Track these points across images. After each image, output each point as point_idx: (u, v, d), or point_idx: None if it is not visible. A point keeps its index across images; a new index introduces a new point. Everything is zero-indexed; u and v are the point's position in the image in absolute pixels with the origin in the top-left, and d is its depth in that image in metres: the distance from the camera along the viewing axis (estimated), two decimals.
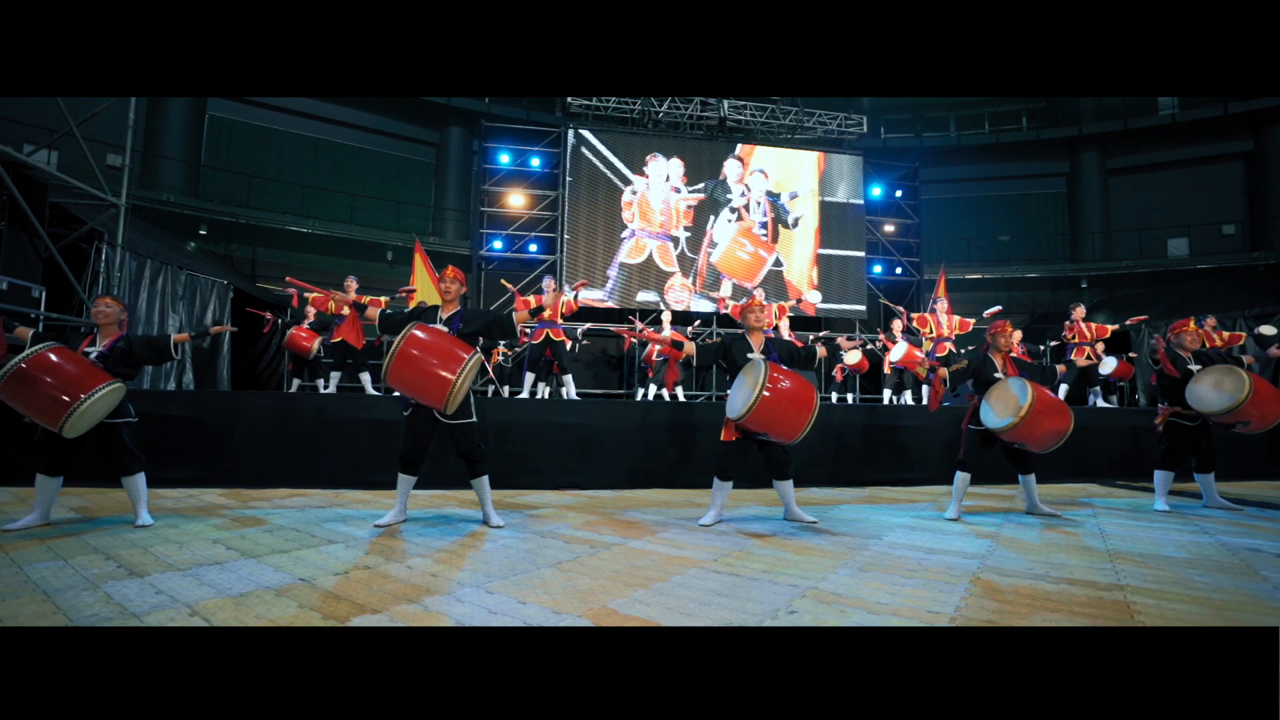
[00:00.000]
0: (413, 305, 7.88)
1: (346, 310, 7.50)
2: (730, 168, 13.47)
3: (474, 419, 3.70)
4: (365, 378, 7.96)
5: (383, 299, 7.65)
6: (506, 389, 9.42)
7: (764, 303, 4.10)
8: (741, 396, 3.63)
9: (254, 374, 11.10)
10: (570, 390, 7.41)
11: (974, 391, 4.34)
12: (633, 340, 9.19)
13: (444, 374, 3.28)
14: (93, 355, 3.54)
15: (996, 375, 4.23)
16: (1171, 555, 3.09)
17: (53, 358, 3.22)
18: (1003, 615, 2.12)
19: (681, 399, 8.62)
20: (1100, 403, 8.58)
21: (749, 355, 3.90)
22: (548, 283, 7.72)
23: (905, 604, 2.24)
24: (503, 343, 9.88)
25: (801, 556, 2.97)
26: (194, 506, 4.07)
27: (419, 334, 3.35)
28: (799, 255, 13.55)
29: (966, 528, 3.82)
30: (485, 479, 3.70)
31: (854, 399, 10.38)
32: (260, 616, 2.02)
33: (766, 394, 3.47)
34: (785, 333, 8.18)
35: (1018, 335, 4.39)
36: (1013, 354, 4.43)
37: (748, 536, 3.45)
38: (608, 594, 2.31)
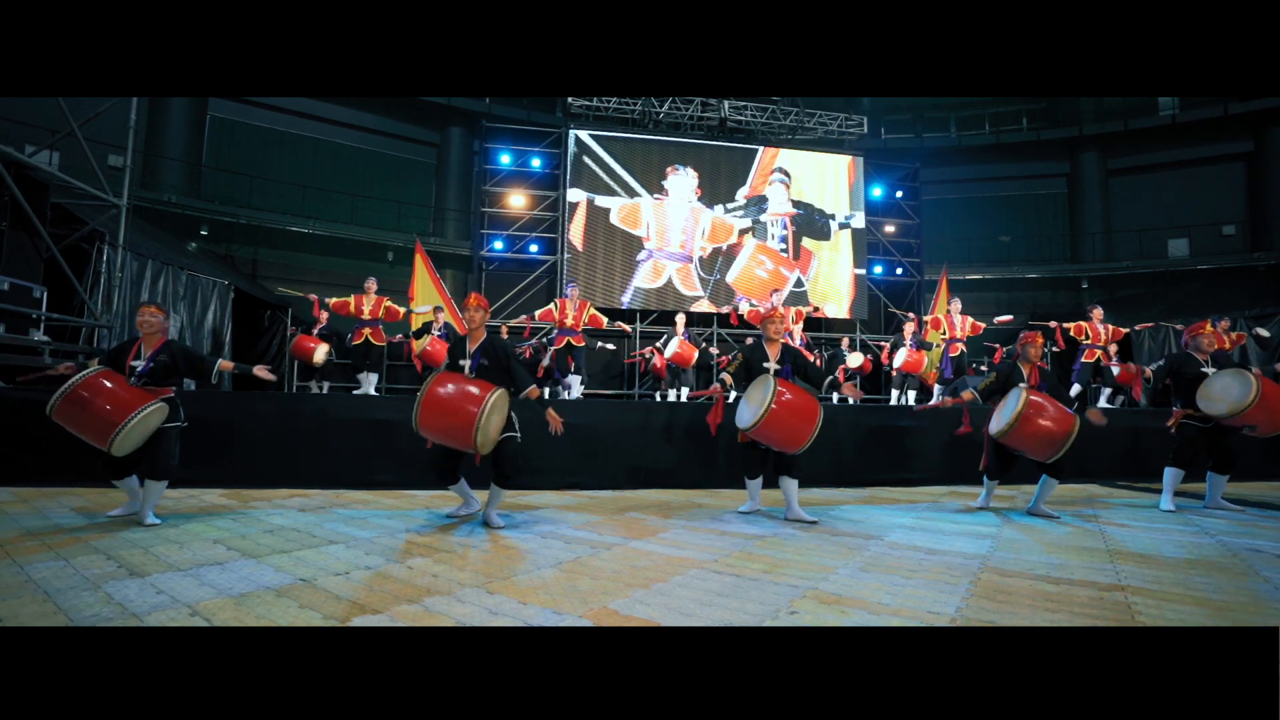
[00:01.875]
0: (417, 323, 8.22)
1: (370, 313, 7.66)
2: (773, 191, 12.96)
3: (516, 434, 3.72)
4: (372, 378, 8.02)
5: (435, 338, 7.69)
6: None
7: (783, 310, 4.30)
8: (750, 409, 3.78)
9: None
10: (575, 391, 7.45)
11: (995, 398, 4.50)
12: (646, 356, 9.44)
13: (467, 425, 3.35)
14: (138, 369, 3.61)
15: (1022, 385, 4.35)
16: (1172, 555, 3.09)
17: (103, 381, 3.39)
18: (1003, 615, 2.12)
19: (684, 399, 8.62)
20: (1104, 403, 8.60)
21: (765, 364, 4.08)
22: (572, 290, 7.84)
23: (906, 604, 2.24)
24: None
25: (802, 557, 2.97)
26: (194, 506, 4.07)
27: (439, 390, 3.45)
28: (827, 275, 13.06)
29: (966, 528, 3.82)
30: (504, 492, 3.77)
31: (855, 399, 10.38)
32: (261, 617, 2.02)
33: (774, 408, 3.62)
34: (798, 337, 8.32)
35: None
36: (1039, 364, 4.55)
37: (748, 537, 3.45)
38: (608, 594, 2.31)
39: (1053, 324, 8.31)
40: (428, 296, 9.09)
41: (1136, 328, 8.62)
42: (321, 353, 7.84)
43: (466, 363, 3.73)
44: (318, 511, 4.00)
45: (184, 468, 4.83)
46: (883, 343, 13.05)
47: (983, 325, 8.09)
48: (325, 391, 8.01)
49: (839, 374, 10.03)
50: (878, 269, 14.17)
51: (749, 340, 4.35)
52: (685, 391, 8.69)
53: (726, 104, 13.58)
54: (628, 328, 9.71)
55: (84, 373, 3.38)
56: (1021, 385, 4.24)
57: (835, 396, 10.01)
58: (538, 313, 7.55)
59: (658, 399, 9.00)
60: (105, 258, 7.06)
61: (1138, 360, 11.70)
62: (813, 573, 2.66)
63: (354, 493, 4.83)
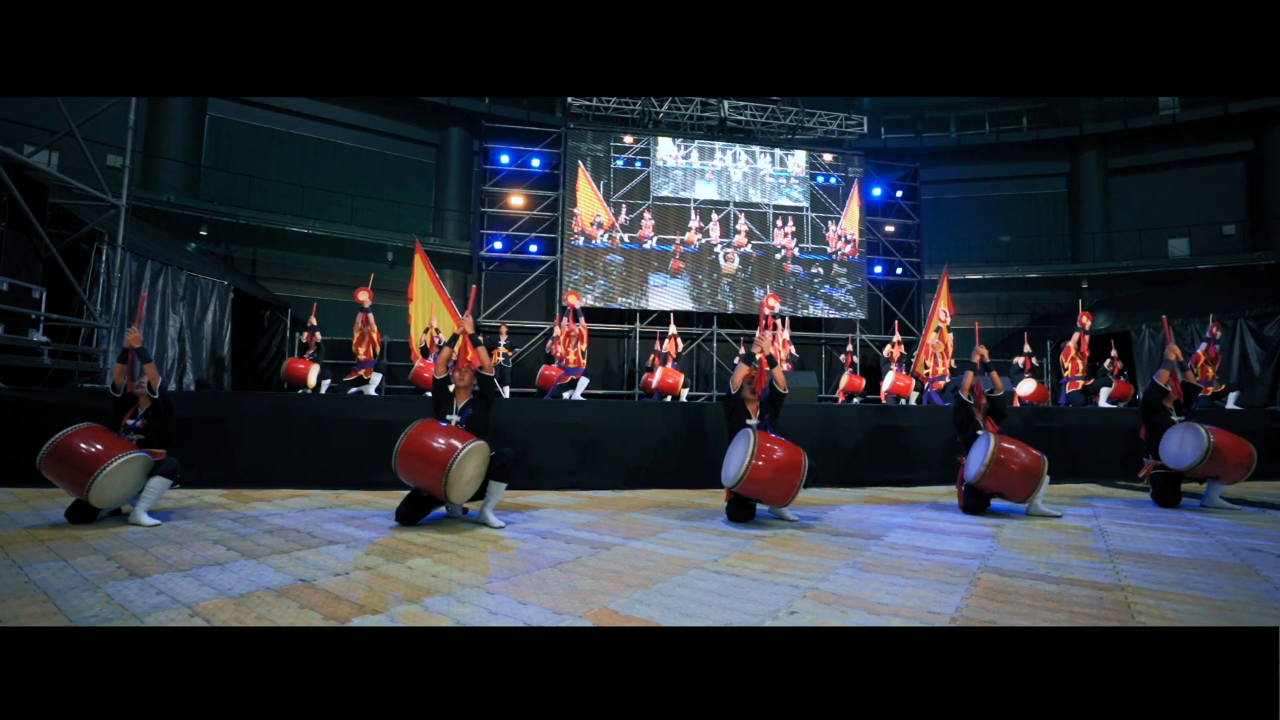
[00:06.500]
0: (414, 319, 8.42)
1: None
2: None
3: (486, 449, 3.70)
4: (375, 378, 8.07)
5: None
6: (507, 390, 9.42)
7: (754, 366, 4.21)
8: (734, 465, 3.80)
9: (254, 374, 11.10)
10: (577, 391, 7.50)
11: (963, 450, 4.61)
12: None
13: (438, 473, 3.43)
14: (132, 425, 3.75)
15: (979, 432, 4.49)
16: (1172, 555, 3.09)
17: (78, 442, 3.44)
18: (1003, 615, 2.12)
19: (684, 399, 8.64)
20: (1103, 402, 8.63)
21: (747, 421, 4.10)
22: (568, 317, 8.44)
23: (906, 604, 2.24)
24: (503, 343, 9.93)
25: (802, 557, 2.97)
26: (194, 506, 4.07)
27: (417, 437, 3.53)
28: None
29: (966, 528, 3.82)
30: (504, 485, 3.76)
31: (856, 399, 10.41)
32: (261, 617, 2.01)
33: (758, 463, 3.66)
34: (783, 362, 8.73)
35: (972, 381, 4.66)
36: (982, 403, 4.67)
37: (748, 537, 3.45)
38: (608, 594, 2.31)
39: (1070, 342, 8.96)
40: (426, 299, 9.09)
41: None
42: (314, 375, 8.02)
43: (454, 418, 3.81)
44: (318, 511, 4.00)
45: (184, 467, 4.86)
46: (884, 342, 13.07)
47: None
48: (325, 391, 8.04)
49: (839, 395, 10.24)
50: (878, 269, 14.17)
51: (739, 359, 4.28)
52: (685, 393, 8.76)
53: (726, 104, 13.57)
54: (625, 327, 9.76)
55: (65, 430, 3.44)
56: (988, 437, 4.31)
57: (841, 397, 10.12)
58: (553, 352, 8.61)
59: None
60: (104, 258, 7.05)
61: (1137, 358, 11.75)
62: (813, 573, 2.66)
63: (354, 493, 4.82)
